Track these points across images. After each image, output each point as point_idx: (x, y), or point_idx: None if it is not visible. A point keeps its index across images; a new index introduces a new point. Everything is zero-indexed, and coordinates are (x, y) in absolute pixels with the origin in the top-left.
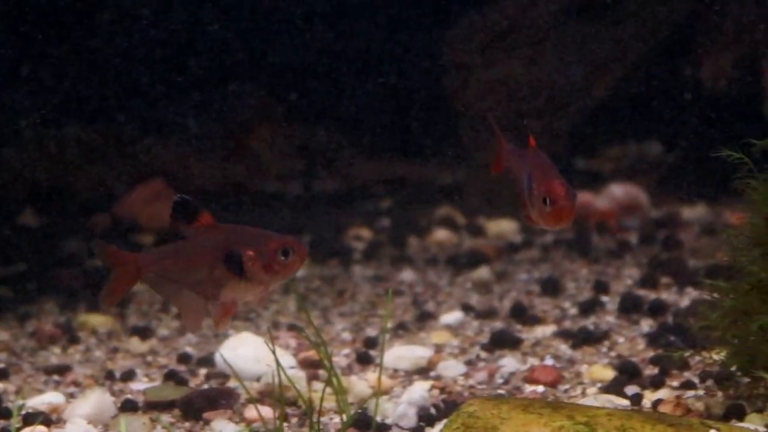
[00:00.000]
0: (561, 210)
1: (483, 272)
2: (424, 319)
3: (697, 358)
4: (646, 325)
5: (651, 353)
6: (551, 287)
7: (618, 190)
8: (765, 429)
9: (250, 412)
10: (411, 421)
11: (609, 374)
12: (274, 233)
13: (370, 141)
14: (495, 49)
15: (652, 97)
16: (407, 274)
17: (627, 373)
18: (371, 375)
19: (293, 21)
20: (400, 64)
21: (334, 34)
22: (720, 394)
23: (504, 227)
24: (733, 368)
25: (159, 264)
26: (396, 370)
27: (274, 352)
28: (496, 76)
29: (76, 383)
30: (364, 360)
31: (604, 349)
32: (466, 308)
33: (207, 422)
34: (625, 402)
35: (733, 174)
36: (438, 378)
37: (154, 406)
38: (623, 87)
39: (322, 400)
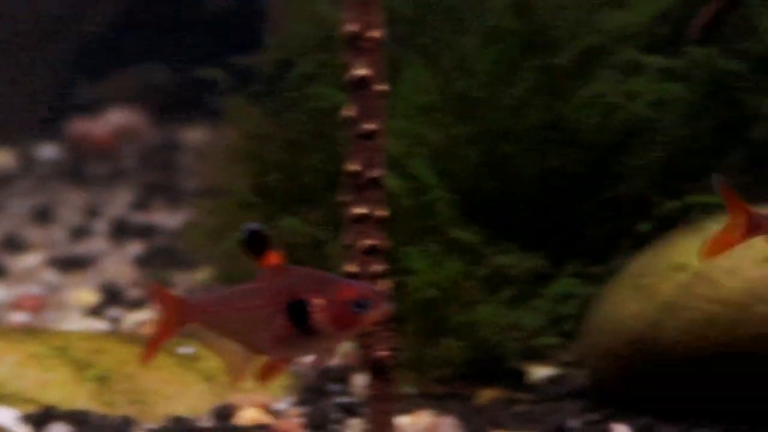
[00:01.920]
0: None
1: None
2: None
3: (183, 277)
4: (137, 247)
5: (138, 275)
6: (43, 215)
7: (116, 116)
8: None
9: None
10: None
11: (93, 298)
12: (348, 280)
13: None
14: None
15: (157, 22)
16: None
17: (110, 296)
18: None
19: None
20: None
21: None
22: None
23: None
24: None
25: (205, 311)
26: None
27: None
28: None
29: None
30: None
31: (92, 274)
32: None
33: None
34: (106, 325)
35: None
36: None
37: None
38: (126, 13)
39: None
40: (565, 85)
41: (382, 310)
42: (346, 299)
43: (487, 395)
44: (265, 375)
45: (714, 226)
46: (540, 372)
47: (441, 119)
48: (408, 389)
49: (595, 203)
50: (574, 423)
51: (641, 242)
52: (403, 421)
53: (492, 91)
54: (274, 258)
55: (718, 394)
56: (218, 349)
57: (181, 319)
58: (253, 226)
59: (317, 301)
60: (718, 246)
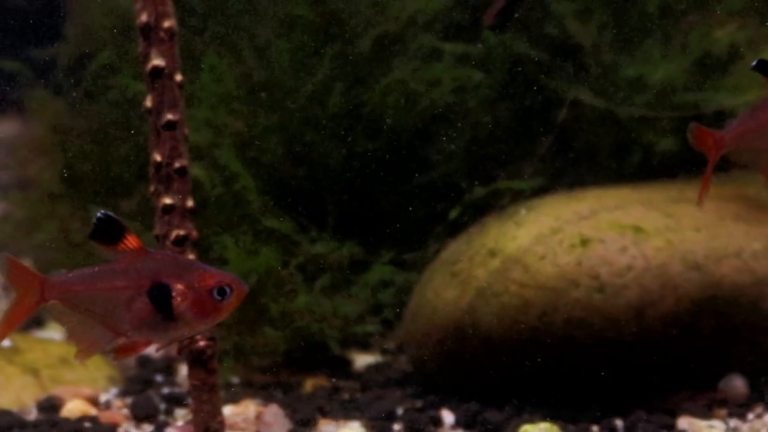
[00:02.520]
0: None
1: None
2: None
3: None
4: None
5: None
6: None
7: None
8: (60, 336)
9: None
10: None
11: None
12: (209, 267)
13: None
14: None
15: None
16: None
17: None
18: None
19: None
20: None
21: None
22: None
23: None
24: None
25: (67, 289)
26: None
27: None
28: None
29: None
30: None
31: None
32: None
33: None
34: None
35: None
36: None
37: None
38: None
39: None
40: (366, 73)
41: (242, 298)
42: (207, 286)
43: (312, 384)
44: (121, 353)
45: (523, 211)
46: (363, 360)
47: (243, 108)
48: (233, 379)
49: (406, 190)
50: (400, 410)
51: (454, 228)
52: (229, 410)
53: (291, 79)
54: (132, 242)
55: (539, 379)
56: (74, 327)
57: (41, 297)
58: (105, 212)
59: (178, 287)
60: (707, 180)
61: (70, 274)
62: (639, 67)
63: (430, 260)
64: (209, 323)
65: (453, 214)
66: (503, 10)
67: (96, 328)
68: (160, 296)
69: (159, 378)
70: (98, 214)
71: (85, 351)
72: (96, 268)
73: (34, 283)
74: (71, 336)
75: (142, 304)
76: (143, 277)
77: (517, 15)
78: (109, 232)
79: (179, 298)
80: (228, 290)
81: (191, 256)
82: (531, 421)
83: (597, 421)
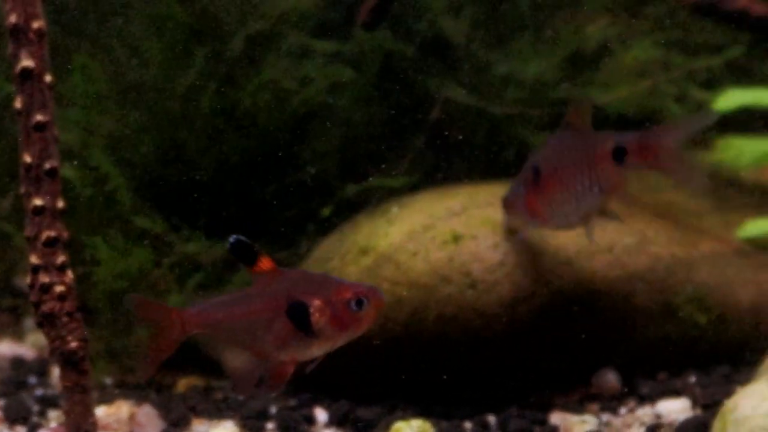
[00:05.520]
0: None
1: None
2: None
3: None
4: None
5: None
6: None
7: None
8: None
9: None
10: None
11: None
12: (343, 280)
13: None
14: None
15: None
16: None
17: None
18: None
19: None
20: None
21: None
22: None
23: None
24: None
25: (207, 319)
26: None
27: None
28: None
29: None
30: None
31: None
32: None
33: None
34: None
35: None
36: None
37: None
38: None
39: None
40: (238, 72)
41: (379, 307)
42: (343, 299)
43: (185, 384)
44: (275, 377)
45: (396, 208)
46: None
47: (114, 108)
48: (106, 380)
49: (279, 189)
50: (273, 409)
51: (327, 226)
52: (102, 411)
53: (163, 79)
54: (266, 263)
55: (412, 376)
56: (226, 361)
57: (182, 329)
58: (237, 237)
59: (315, 303)
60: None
61: (207, 304)
62: (511, 64)
63: (302, 258)
64: (351, 335)
65: (325, 212)
66: (376, 7)
67: (244, 355)
68: (298, 314)
69: (32, 380)
70: (231, 239)
71: (243, 384)
72: (231, 295)
73: (173, 317)
74: (232, 374)
75: (282, 324)
76: (279, 297)
77: (390, 12)
78: (243, 254)
79: (317, 314)
80: (365, 300)
81: (63, 257)
82: (404, 418)
83: (470, 418)
